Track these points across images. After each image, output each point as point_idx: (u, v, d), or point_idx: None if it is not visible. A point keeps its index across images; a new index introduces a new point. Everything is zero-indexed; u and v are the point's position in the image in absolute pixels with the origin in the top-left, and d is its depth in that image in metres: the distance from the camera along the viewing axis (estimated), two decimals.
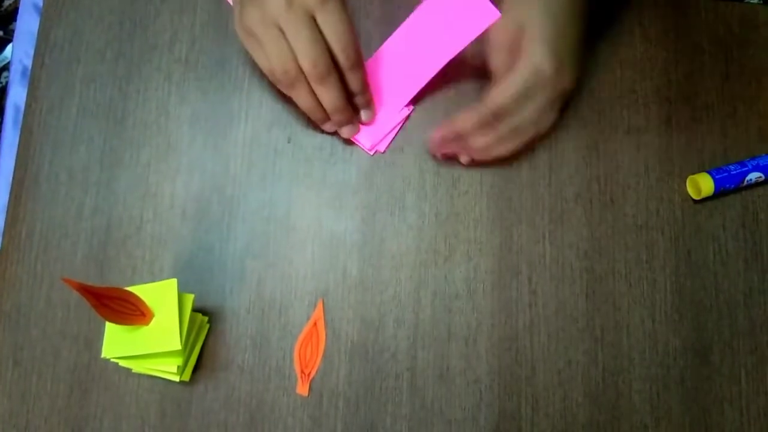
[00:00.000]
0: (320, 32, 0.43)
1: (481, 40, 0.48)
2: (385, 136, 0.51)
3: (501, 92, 0.45)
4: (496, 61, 0.48)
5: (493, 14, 0.48)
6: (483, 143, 0.48)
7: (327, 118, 0.49)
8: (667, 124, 0.52)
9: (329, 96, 0.46)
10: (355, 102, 0.49)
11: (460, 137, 0.48)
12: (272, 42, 0.43)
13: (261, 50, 0.44)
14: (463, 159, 0.50)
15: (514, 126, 0.47)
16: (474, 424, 0.47)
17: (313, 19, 0.43)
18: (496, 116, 0.46)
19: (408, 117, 0.51)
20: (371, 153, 0.51)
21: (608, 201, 0.51)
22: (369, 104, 0.50)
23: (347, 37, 0.44)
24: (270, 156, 0.51)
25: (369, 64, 0.51)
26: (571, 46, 0.47)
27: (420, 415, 0.47)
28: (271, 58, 0.44)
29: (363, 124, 0.50)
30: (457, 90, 0.52)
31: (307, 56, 0.43)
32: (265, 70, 0.45)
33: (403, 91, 0.51)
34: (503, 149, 0.48)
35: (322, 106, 0.47)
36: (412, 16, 0.50)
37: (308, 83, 0.45)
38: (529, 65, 0.45)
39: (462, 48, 0.48)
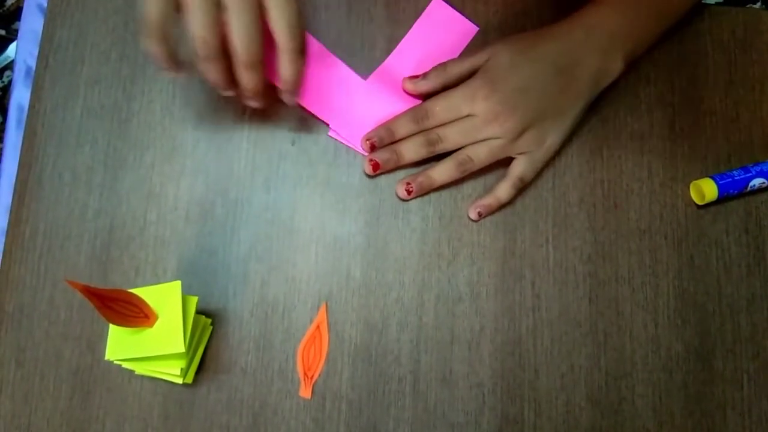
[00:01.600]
0: (262, 17, 0.41)
1: None
2: None
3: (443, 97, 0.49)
4: None
5: (472, 30, 0.53)
6: (413, 151, 0.49)
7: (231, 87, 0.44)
8: (670, 129, 0.53)
9: (249, 82, 0.43)
10: (282, 87, 0.45)
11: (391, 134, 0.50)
12: (201, 10, 0.39)
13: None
14: (400, 191, 0.50)
15: (447, 137, 0.49)
16: (477, 428, 0.47)
17: (259, 5, 0.40)
18: (426, 114, 0.49)
19: None
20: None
21: (612, 206, 0.51)
22: (294, 94, 0.46)
23: (295, 19, 0.41)
24: (274, 159, 0.51)
25: (368, 84, 0.52)
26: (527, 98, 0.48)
27: (423, 419, 0.47)
28: (194, 26, 0.40)
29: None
30: None
31: (242, 41, 0.40)
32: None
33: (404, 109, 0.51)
34: (438, 173, 0.49)
35: (230, 82, 0.43)
36: (403, 40, 0.53)
37: (223, 61, 0.41)
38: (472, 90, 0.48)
39: None
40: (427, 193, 0.50)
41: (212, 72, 0.42)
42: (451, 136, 0.49)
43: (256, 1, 0.40)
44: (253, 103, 0.46)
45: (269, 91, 0.46)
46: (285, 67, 0.43)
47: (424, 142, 0.49)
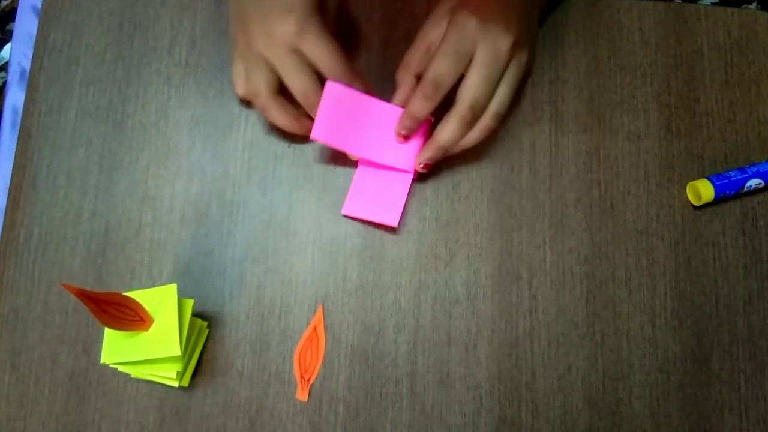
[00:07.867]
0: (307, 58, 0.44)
1: None
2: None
3: (435, 59, 0.44)
4: None
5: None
6: (449, 133, 0.46)
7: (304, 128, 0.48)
8: (667, 129, 0.53)
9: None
10: None
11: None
12: (254, 67, 0.46)
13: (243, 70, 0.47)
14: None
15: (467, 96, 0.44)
16: (474, 430, 0.47)
17: (297, 50, 0.44)
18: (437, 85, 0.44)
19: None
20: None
21: (608, 206, 0.51)
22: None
23: (333, 62, 0.45)
24: (270, 160, 0.50)
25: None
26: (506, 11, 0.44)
27: (420, 421, 0.47)
28: (250, 81, 0.46)
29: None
30: None
31: (296, 87, 0.45)
32: (235, 84, 0.47)
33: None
34: (472, 135, 0.46)
35: (296, 119, 0.47)
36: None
37: (277, 105, 0.47)
38: (453, 24, 0.43)
39: None
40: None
41: (272, 117, 0.47)
42: (479, 91, 0.44)
43: (294, 53, 0.44)
44: None
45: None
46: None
47: (460, 120, 0.45)
